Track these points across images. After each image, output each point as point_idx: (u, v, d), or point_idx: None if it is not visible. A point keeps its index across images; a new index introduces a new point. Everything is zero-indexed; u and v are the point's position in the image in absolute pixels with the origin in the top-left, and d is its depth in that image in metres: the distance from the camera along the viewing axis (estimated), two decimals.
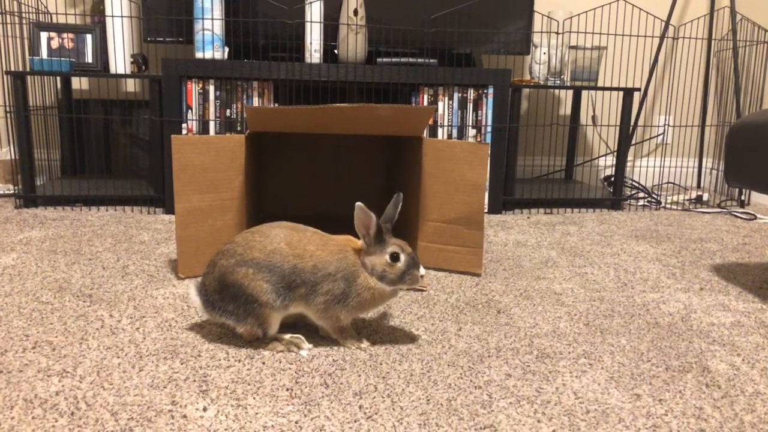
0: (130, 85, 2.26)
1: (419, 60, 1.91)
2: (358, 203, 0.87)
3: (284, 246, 0.88)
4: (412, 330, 1.00)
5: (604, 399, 0.80)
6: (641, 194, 2.25)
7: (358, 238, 0.92)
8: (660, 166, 2.52)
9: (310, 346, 0.92)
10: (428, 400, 0.78)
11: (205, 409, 0.74)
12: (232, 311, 0.87)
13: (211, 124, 1.80)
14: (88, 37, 1.92)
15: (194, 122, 1.79)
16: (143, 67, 1.91)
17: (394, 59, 1.91)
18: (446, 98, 1.89)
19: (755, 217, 2.00)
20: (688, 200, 2.19)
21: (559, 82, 2.07)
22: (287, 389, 0.79)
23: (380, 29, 1.96)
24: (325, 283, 0.88)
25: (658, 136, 2.57)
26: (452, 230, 1.29)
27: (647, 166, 2.55)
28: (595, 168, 2.52)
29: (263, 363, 0.86)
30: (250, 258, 0.87)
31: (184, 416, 0.73)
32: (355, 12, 1.80)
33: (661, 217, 1.99)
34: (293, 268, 0.87)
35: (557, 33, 2.04)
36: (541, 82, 2.06)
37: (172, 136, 1.17)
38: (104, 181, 1.98)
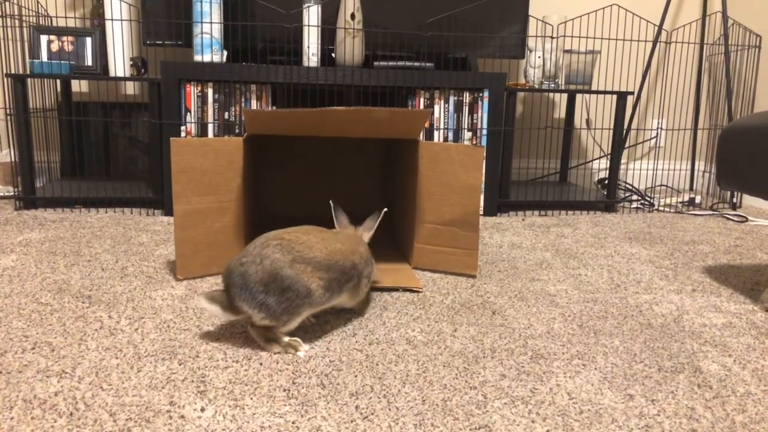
0: (130, 88, 2.27)
1: (416, 64, 1.92)
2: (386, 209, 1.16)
3: (341, 246, 0.97)
4: (408, 331, 1.01)
5: (598, 399, 0.81)
6: (635, 197, 2.27)
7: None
8: (653, 169, 2.54)
9: (307, 347, 0.93)
10: (424, 400, 0.79)
11: (202, 410, 0.75)
12: (271, 304, 0.87)
13: (210, 127, 1.81)
14: (88, 40, 1.93)
15: (193, 125, 1.80)
16: (142, 70, 1.92)
17: (390, 63, 1.92)
18: (442, 101, 1.90)
19: (747, 220, 2.01)
20: (680, 203, 2.21)
21: (553, 85, 2.08)
22: (284, 390, 0.80)
23: (377, 33, 1.98)
24: (366, 268, 1.03)
25: (651, 139, 2.59)
26: (448, 232, 1.30)
27: (640, 169, 2.57)
28: (589, 171, 2.54)
29: (261, 364, 0.87)
30: (311, 257, 0.91)
31: (182, 416, 0.73)
32: (353, 16, 1.81)
33: (654, 219, 2.01)
34: (353, 264, 0.98)
35: (552, 37, 2.06)
36: (536, 86, 2.08)
37: (171, 138, 1.18)
38: (104, 183, 1.99)
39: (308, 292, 0.89)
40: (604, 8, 2.21)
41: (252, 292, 0.87)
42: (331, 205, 1.13)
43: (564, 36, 2.11)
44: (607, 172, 2.15)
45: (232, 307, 0.88)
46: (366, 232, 1.11)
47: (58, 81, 2.11)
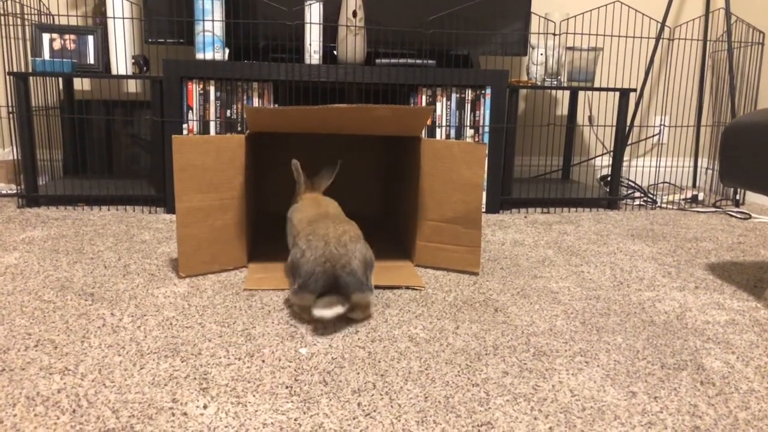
0: (132, 86, 2.27)
1: (417, 61, 1.92)
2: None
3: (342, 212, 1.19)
4: (411, 328, 1.01)
5: (600, 396, 0.81)
6: (637, 194, 2.26)
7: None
8: (656, 166, 2.53)
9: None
10: (426, 397, 0.79)
11: (205, 407, 0.75)
12: (371, 282, 1.04)
13: (212, 125, 1.81)
14: (90, 39, 1.93)
15: (195, 122, 1.80)
16: (144, 68, 1.92)
17: (392, 60, 1.92)
18: (444, 99, 1.90)
19: (750, 217, 2.01)
20: (683, 200, 2.21)
21: (555, 82, 2.08)
22: (287, 387, 0.80)
23: (379, 30, 1.98)
24: None
25: (654, 136, 2.59)
26: (450, 229, 1.30)
27: (643, 166, 2.56)
28: (591, 168, 2.54)
29: (263, 361, 0.87)
30: (359, 234, 1.08)
31: (185, 414, 0.73)
32: (354, 13, 1.81)
33: (657, 216, 2.00)
34: None
35: (554, 34, 2.06)
36: (538, 83, 2.07)
37: (173, 136, 1.18)
38: (106, 181, 1.99)
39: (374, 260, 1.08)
40: (606, 5, 2.20)
41: (361, 282, 1.00)
42: (296, 164, 1.26)
43: (566, 33, 2.10)
44: (610, 169, 2.14)
45: (348, 300, 0.99)
46: (322, 185, 1.29)
47: (61, 79, 2.11)
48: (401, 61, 1.92)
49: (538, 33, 2.07)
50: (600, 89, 2.04)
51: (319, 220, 1.09)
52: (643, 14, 2.19)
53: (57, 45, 1.91)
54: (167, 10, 1.91)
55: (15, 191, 1.92)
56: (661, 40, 2.38)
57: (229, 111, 1.81)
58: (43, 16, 2.04)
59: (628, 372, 0.88)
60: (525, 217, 1.94)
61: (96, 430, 0.69)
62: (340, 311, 0.96)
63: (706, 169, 2.53)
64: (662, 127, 2.57)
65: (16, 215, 1.73)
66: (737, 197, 2.25)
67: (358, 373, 0.85)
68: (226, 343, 0.92)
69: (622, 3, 2.20)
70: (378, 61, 1.93)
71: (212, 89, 1.79)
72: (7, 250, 1.38)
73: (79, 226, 1.63)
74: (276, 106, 1.86)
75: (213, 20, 1.77)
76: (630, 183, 2.32)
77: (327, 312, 0.95)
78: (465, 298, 1.16)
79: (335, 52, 1.91)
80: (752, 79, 2.29)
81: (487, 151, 1.89)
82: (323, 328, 0.99)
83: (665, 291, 1.24)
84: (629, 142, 2.46)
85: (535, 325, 1.04)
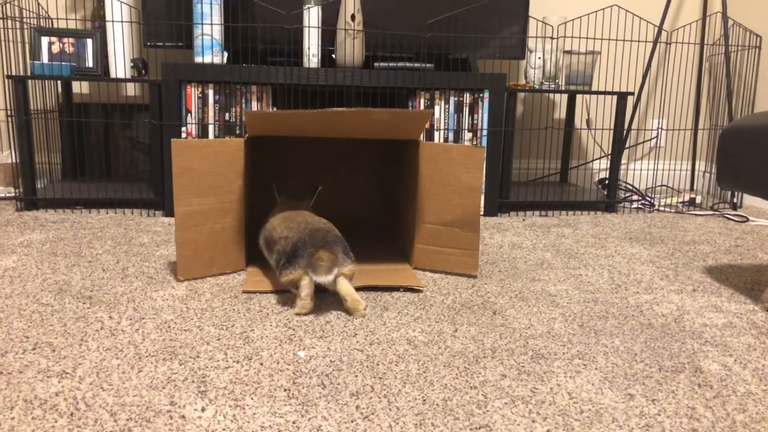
0: (130, 90, 2.27)
1: (416, 65, 1.92)
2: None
3: None
4: (409, 331, 1.01)
5: (598, 399, 0.81)
6: (635, 197, 2.27)
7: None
8: (653, 169, 2.54)
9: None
10: (424, 400, 0.79)
11: (203, 410, 0.75)
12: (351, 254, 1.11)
13: (211, 128, 1.81)
14: (89, 42, 1.93)
15: (194, 126, 1.80)
16: (143, 71, 1.92)
17: (391, 64, 1.93)
18: (442, 102, 1.90)
19: (747, 220, 2.01)
20: (681, 203, 2.21)
21: (553, 86, 2.09)
22: (285, 390, 0.80)
23: (377, 34, 1.98)
24: None
25: (651, 139, 2.60)
26: (448, 232, 1.30)
27: (641, 169, 2.57)
28: (589, 171, 2.54)
29: (261, 364, 0.87)
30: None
31: (183, 417, 0.73)
32: (353, 17, 1.82)
33: (655, 219, 2.00)
34: None
35: (552, 38, 2.06)
36: (536, 87, 2.08)
37: (171, 139, 1.18)
38: (104, 184, 1.99)
39: None
40: (604, 9, 2.21)
41: (346, 248, 1.08)
42: (274, 187, 1.34)
43: (564, 36, 2.11)
44: (608, 172, 2.15)
45: (337, 263, 1.05)
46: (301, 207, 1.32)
47: (59, 82, 2.11)
48: (399, 64, 1.92)
49: (536, 36, 2.08)
50: (598, 93, 2.05)
51: (294, 217, 1.17)
52: (641, 18, 2.20)
53: (56, 48, 1.92)
54: (166, 13, 1.91)
55: (13, 194, 1.92)
56: (658, 44, 2.39)
57: (227, 114, 1.82)
58: (41, 20, 2.04)
59: (625, 374, 0.88)
60: (523, 220, 1.95)
61: None
62: (337, 272, 1.03)
63: (704, 172, 2.54)
64: (660, 130, 2.57)
65: (15, 218, 1.73)
66: (734, 200, 2.26)
67: (357, 376, 0.85)
68: (225, 346, 0.92)
69: (619, 7, 2.21)
70: (376, 64, 1.93)
71: (211, 93, 1.79)
72: (5, 253, 1.38)
73: (78, 229, 1.63)
74: (274, 109, 1.86)
75: (212, 24, 1.77)
76: (628, 186, 2.32)
77: (329, 276, 1.02)
78: (463, 301, 1.16)
79: (334, 56, 1.92)
80: (749, 82, 2.30)
81: (485, 155, 1.89)
82: (321, 330, 0.99)
83: (663, 294, 1.24)
84: (627, 145, 2.46)
85: (533, 327, 1.04)
